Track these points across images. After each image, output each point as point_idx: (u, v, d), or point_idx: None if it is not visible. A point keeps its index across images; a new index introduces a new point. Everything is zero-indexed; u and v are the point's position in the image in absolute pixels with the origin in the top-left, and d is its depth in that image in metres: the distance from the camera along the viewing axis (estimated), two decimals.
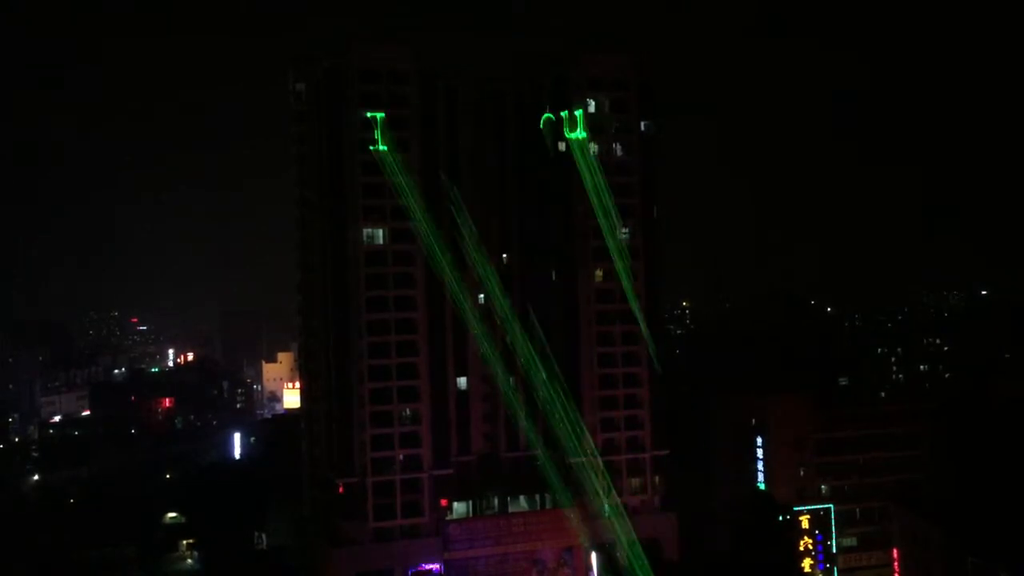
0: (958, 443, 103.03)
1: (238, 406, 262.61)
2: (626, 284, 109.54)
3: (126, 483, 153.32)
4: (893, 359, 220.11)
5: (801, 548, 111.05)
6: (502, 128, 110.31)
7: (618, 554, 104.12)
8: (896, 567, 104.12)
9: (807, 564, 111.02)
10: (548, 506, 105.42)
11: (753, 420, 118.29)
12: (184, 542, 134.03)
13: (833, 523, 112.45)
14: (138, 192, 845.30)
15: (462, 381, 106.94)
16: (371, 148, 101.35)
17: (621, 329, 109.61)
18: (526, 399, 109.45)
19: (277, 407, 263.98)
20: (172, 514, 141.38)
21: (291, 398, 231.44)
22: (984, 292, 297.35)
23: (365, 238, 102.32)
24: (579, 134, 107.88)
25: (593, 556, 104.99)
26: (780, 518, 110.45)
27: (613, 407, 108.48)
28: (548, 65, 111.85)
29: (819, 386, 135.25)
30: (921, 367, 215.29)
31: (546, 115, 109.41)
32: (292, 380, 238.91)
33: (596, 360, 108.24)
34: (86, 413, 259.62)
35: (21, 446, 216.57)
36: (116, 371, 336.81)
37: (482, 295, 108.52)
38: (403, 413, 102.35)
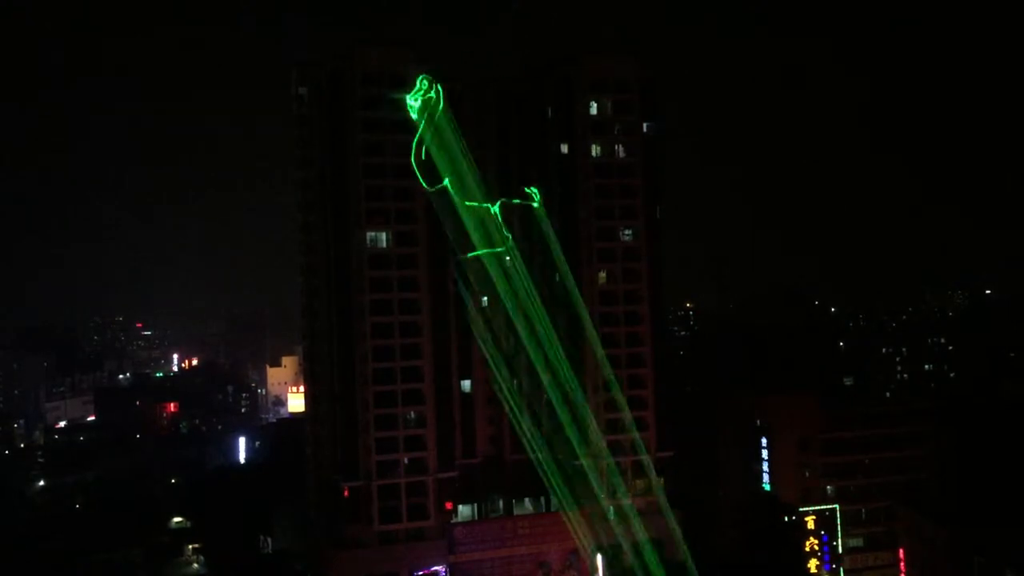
0: (964, 443, 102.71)
1: (243, 410, 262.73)
2: (630, 285, 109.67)
3: (131, 488, 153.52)
4: (897, 359, 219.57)
5: (807, 549, 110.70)
6: (505, 129, 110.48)
7: (623, 555, 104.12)
8: (902, 567, 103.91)
9: (813, 565, 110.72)
10: (553, 508, 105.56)
11: (758, 421, 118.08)
12: (190, 546, 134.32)
13: (839, 523, 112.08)
14: (142, 197, 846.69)
15: (466, 384, 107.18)
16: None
17: (625, 331, 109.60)
18: (530, 401, 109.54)
19: (282, 411, 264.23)
20: (177, 518, 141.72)
21: (295, 402, 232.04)
22: (988, 291, 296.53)
23: (369, 241, 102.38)
24: None
25: (599, 558, 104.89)
26: (785, 519, 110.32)
27: (618, 409, 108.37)
28: (551, 67, 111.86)
29: (824, 386, 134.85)
30: (926, 366, 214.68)
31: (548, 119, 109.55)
32: (296, 384, 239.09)
33: (600, 362, 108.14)
34: (91, 418, 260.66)
35: (27, 451, 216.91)
36: (121, 376, 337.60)
37: (485, 297, 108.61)
38: (407, 416, 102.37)
